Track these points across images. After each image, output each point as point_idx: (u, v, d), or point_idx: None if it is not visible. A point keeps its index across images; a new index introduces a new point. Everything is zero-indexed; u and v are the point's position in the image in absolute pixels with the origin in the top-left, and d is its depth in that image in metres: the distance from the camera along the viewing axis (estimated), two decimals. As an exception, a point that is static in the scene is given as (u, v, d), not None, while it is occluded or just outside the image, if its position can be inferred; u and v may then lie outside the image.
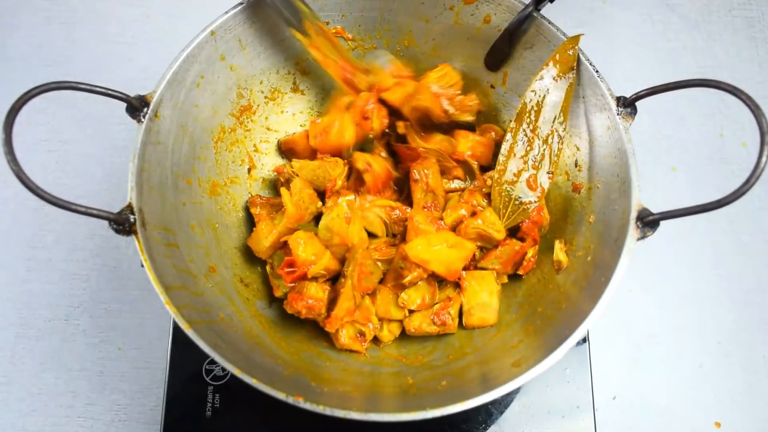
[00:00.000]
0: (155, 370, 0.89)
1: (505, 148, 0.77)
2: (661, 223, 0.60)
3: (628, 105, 0.66)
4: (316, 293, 0.74)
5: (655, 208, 0.61)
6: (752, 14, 1.09)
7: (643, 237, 0.60)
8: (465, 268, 0.77)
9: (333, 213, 0.75)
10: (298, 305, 0.73)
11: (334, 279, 0.77)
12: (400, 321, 0.78)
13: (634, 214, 0.61)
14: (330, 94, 0.90)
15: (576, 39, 0.69)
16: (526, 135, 0.75)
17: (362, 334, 0.75)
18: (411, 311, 0.77)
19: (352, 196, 0.78)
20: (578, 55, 0.69)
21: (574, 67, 0.70)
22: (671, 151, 1.01)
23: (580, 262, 0.71)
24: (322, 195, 0.81)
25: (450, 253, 0.73)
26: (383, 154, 0.83)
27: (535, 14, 0.71)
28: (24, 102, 0.54)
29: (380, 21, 0.81)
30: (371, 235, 0.79)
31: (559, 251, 0.74)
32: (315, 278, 0.75)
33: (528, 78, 0.79)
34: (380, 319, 0.77)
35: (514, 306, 0.78)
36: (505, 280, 0.80)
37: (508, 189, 0.77)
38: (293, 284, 0.75)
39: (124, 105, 0.63)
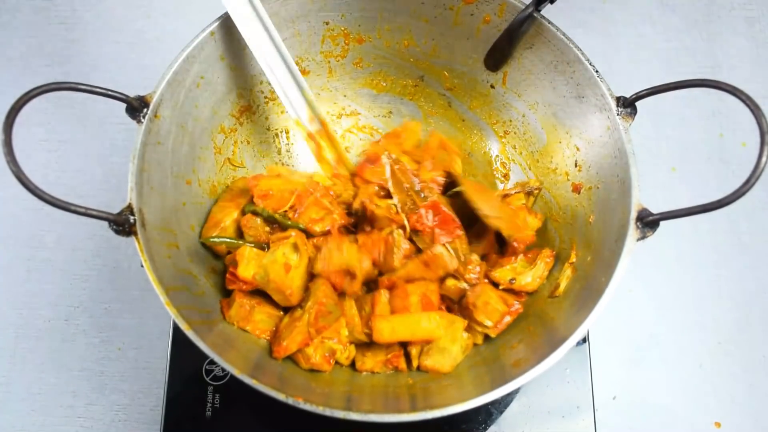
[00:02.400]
0: (155, 370, 0.89)
1: None
2: (661, 223, 0.60)
3: (628, 105, 0.66)
4: (263, 322, 0.71)
5: (655, 208, 0.61)
6: (752, 14, 1.09)
7: (643, 237, 0.60)
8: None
9: (275, 254, 0.69)
10: (246, 326, 0.71)
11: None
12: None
13: (634, 215, 0.61)
14: (329, 95, 0.90)
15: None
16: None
17: (332, 353, 0.71)
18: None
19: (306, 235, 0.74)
20: (580, 56, 0.70)
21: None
22: (671, 151, 1.01)
23: (580, 262, 0.71)
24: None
25: (424, 320, 0.70)
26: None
27: (535, 14, 0.71)
28: (24, 102, 0.54)
29: (380, 21, 0.81)
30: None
31: (565, 278, 0.72)
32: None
33: (528, 78, 0.79)
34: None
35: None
36: (480, 341, 0.74)
37: None
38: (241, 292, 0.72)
39: (124, 105, 0.63)
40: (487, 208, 0.73)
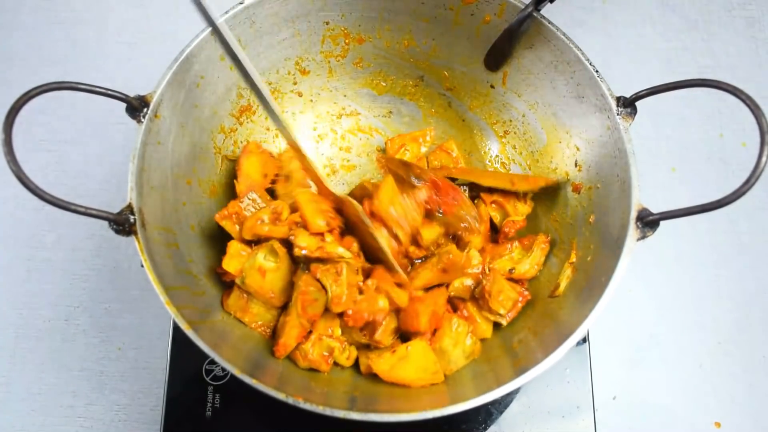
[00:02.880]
0: (155, 370, 0.89)
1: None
2: (661, 223, 0.60)
3: (628, 105, 0.66)
4: (260, 315, 0.72)
5: (655, 208, 0.61)
6: (752, 14, 1.09)
7: (643, 237, 0.60)
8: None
9: (254, 258, 0.70)
10: (243, 317, 0.72)
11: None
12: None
13: (634, 214, 0.61)
14: (329, 95, 0.90)
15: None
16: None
17: (330, 351, 0.71)
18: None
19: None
20: (580, 56, 0.70)
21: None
22: (671, 151, 1.01)
23: (580, 263, 0.71)
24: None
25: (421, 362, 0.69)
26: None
27: (535, 14, 0.71)
28: (24, 102, 0.54)
29: (380, 21, 0.81)
30: None
31: (565, 278, 0.72)
32: None
33: (528, 78, 0.79)
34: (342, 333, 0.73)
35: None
36: (488, 333, 0.75)
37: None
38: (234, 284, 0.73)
39: (124, 105, 0.63)
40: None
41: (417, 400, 0.66)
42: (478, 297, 0.74)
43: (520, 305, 0.74)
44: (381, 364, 0.69)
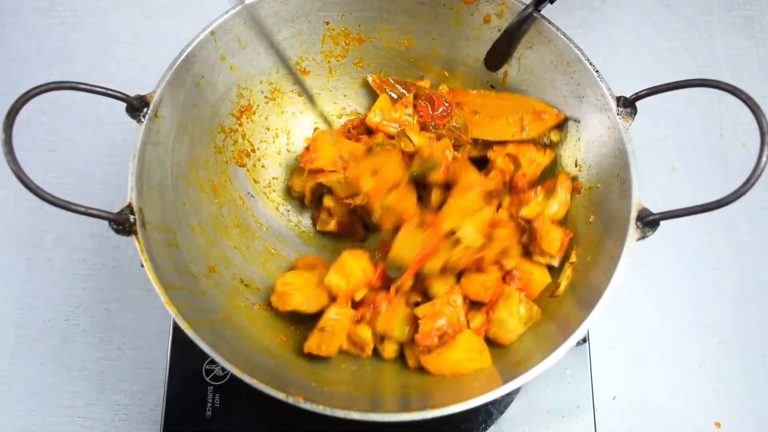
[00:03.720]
0: (155, 370, 0.89)
1: None
2: (661, 223, 0.60)
3: (628, 105, 0.66)
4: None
5: (655, 208, 0.61)
6: (752, 14, 1.09)
7: (643, 237, 0.61)
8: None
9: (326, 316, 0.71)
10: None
11: None
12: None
13: (634, 214, 0.61)
14: (329, 95, 0.90)
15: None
16: None
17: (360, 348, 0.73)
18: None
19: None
20: (580, 56, 0.70)
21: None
22: (671, 151, 1.01)
23: (580, 262, 0.71)
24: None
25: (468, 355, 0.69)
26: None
27: (535, 14, 0.71)
28: (24, 102, 0.54)
29: (380, 21, 0.81)
30: None
31: (565, 278, 0.72)
32: None
33: (528, 78, 0.79)
34: (382, 337, 0.74)
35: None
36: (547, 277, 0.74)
37: None
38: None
39: (124, 105, 0.63)
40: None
41: (418, 399, 0.66)
42: (527, 243, 0.74)
43: (565, 243, 0.73)
44: (430, 357, 0.69)
